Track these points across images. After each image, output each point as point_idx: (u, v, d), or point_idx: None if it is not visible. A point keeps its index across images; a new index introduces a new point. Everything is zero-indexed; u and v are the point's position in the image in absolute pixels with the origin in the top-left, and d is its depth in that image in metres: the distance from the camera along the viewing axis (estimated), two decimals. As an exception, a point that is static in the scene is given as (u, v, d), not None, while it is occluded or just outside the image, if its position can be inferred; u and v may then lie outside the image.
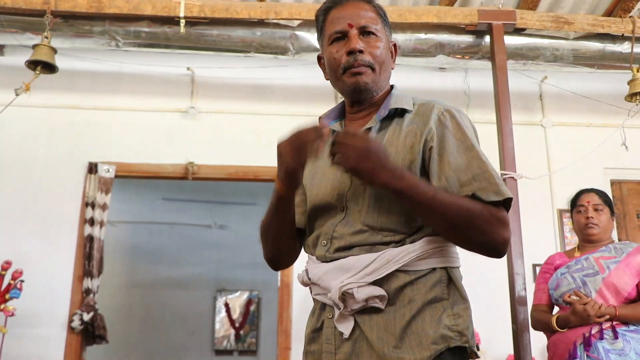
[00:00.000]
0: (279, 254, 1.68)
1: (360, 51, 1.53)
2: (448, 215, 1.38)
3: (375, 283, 1.41)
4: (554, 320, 2.92)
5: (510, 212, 3.80)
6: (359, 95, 1.58)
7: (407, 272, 1.42)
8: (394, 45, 1.68)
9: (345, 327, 1.44)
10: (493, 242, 1.40)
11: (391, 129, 1.53)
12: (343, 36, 1.57)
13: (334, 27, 1.58)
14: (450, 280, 1.45)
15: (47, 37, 3.89)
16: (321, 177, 1.61)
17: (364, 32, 1.56)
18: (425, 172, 1.47)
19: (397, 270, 1.41)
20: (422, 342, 1.36)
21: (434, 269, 1.44)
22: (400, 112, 1.55)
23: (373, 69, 1.55)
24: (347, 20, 1.56)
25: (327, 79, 1.66)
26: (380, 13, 1.62)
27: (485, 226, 1.39)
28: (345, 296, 1.42)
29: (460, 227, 1.39)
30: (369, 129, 1.55)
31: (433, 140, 1.46)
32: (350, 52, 1.54)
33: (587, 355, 2.74)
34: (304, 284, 1.57)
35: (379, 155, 1.38)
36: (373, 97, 1.59)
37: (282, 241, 1.64)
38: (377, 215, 1.45)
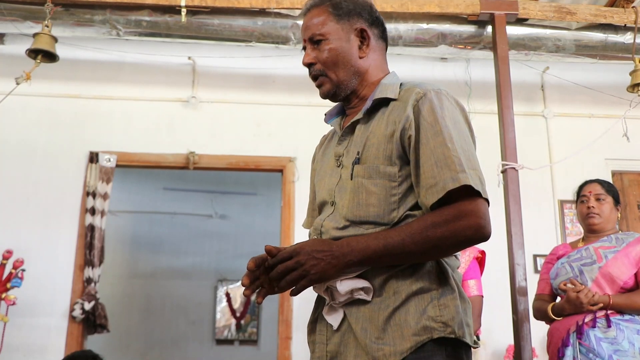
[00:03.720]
0: None
1: (310, 64, 1.61)
2: (410, 250, 1.36)
3: (362, 275, 1.41)
4: (549, 308, 2.94)
5: (511, 202, 3.81)
6: (332, 99, 1.64)
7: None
8: (361, 29, 1.60)
9: (334, 319, 1.46)
10: (467, 238, 1.37)
11: (376, 119, 1.52)
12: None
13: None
14: (440, 271, 1.43)
15: (47, 26, 3.87)
16: (322, 175, 1.64)
17: (314, 41, 1.60)
18: (407, 160, 1.45)
19: None
20: (403, 334, 1.36)
21: None
22: (387, 101, 1.54)
23: (327, 75, 1.59)
24: (302, 36, 1.64)
25: None
26: (329, 9, 1.60)
27: (450, 232, 1.35)
28: (331, 289, 1.43)
29: (429, 250, 1.38)
30: (356, 121, 1.56)
31: (411, 128, 1.43)
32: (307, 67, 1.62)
33: (580, 343, 2.75)
34: None
35: (318, 252, 1.38)
36: (357, 91, 1.61)
37: None
38: (356, 209, 1.46)
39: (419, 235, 1.35)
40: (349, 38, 1.59)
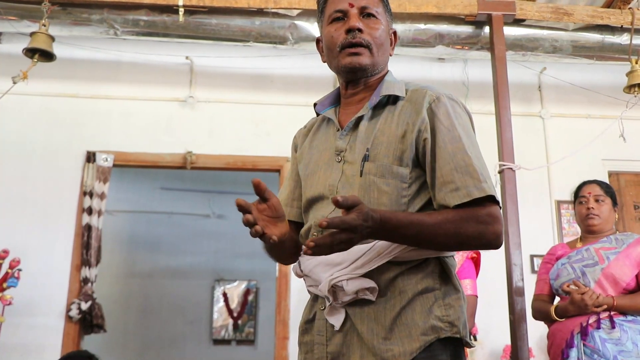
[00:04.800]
0: (285, 261, 1.70)
1: (360, 30, 1.53)
2: (437, 241, 1.37)
3: (366, 275, 1.40)
4: (552, 309, 2.94)
5: (508, 203, 3.81)
6: (354, 74, 1.57)
7: (399, 263, 1.41)
8: (394, 33, 1.67)
9: (336, 320, 1.44)
10: (486, 242, 1.39)
11: (383, 117, 1.51)
12: (343, 16, 1.56)
13: (334, 6, 1.58)
14: (443, 270, 1.44)
15: (44, 25, 3.87)
16: (314, 168, 1.59)
17: (365, 13, 1.56)
18: (418, 162, 1.45)
19: (388, 262, 1.40)
20: (411, 333, 1.36)
21: (426, 259, 1.43)
22: (392, 99, 1.53)
23: (370, 50, 1.54)
24: (348, 0, 1.56)
25: (324, 61, 1.65)
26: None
27: (479, 233, 1.37)
28: (335, 289, 1.42)
29: (452, 243, 1.39)
30: (361, 117, 1.53)
31: (427, 131, 1.44)
32: (349, 30, 1.53)
33: (584, 344, 2.76)
34: (298, 276, 1.56)
35: (365, 229, 1.27)
36: (368, 79, 1.58)
37: (286, 256, 1.66)
38: None
39: (453, 228, 1.36)
40: (389, 33, 1.63)
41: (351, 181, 1.48)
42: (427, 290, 1.40)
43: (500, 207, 1.42)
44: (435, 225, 1.35)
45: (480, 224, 1.37)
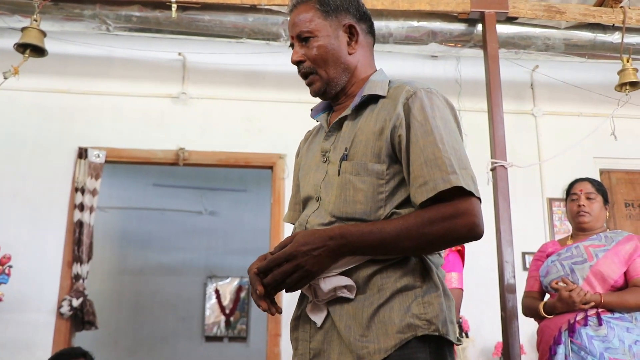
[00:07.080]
0: None
1: (300, 62, 1.59)
2: (404, 245, 1.37)
3: (346, 272, 1.40)
4: (541, 306, 2.96)
5: (500, 200, 3.82)
6: (322, 97, 1.64)
7: (378, 260, 1.40)
8: (349, 25, 1.60)
9: (317, 317, 1.45)
10: (458, 236, 1.37)
11: (364, 116, 1.52)
12: (293, 48, 1.63)
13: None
14: (424, 268, 1.43)
15: (36, 20, 3.85)
16: (307, 170, 1.63)
17: (302, 39, 1.59)
18: (396, 158, 1.45)
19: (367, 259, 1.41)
20: (387, 331, 1.35)
21: (407, 256, 1.42)
22: (376, 98, 1.53)
23: (317, 73, 1.58)
24: (290, 33, 1.62)
25: None
26: (316, 5, 1.58)
27: (446, 230, 1.35)
28: (314, 287, 1.42)
29: (422, 246, 1.38)
30: (345, 117, 1.55)
31: (402, 127, 1.43)
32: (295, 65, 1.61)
33: (571, 341, 2.77)
34: None
35: (314, 250, 1.37)
36: (340, 92, 1.61)
37: None
38: (342, 205, 1.45)
39: (415, 231, 1.35)
40: (338, 34, 1.58)
41: (332, 181, 1.50)
42: (407, 288, 1.39)
43: (479, 199, 1.39)
44: (397, 231, 1.36)
45: (445, 220, 1.35)
